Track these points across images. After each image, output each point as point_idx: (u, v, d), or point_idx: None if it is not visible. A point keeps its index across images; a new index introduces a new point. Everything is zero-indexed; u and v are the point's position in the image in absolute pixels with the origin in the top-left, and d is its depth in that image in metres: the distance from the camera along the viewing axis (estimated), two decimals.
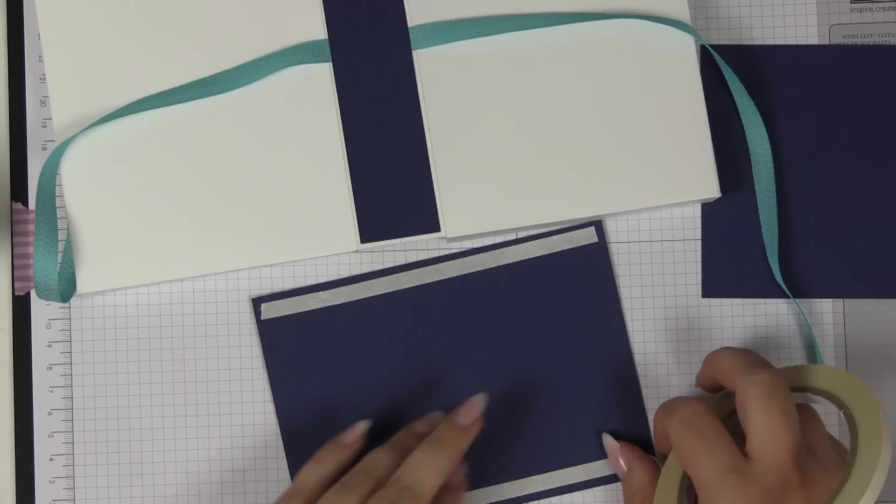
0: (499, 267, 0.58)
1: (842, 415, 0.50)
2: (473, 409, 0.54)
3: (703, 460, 0.49)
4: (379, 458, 0.52)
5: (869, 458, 0.47)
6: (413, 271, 0.58)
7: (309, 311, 0.58)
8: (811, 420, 0.51)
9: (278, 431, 0.58)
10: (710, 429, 0.49)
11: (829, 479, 0.48)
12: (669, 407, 0.51)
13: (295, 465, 0.57)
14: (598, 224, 0.58)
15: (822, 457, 0.49)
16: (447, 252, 0.58)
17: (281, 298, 0.58)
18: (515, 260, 0.58)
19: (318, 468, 0.53)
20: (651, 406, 0.58)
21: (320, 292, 0.58)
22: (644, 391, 0.58)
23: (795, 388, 0.52)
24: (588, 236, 0.58)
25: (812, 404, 0.52)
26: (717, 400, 0.55)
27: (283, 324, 0.58)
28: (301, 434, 0.57)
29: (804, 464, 0.48)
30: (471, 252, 0.58)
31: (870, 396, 0.49)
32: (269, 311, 0.58)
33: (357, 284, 0.58)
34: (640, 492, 0.54)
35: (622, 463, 0.56)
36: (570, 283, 0.58)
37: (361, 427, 0.55)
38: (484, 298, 0.58)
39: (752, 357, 0.51)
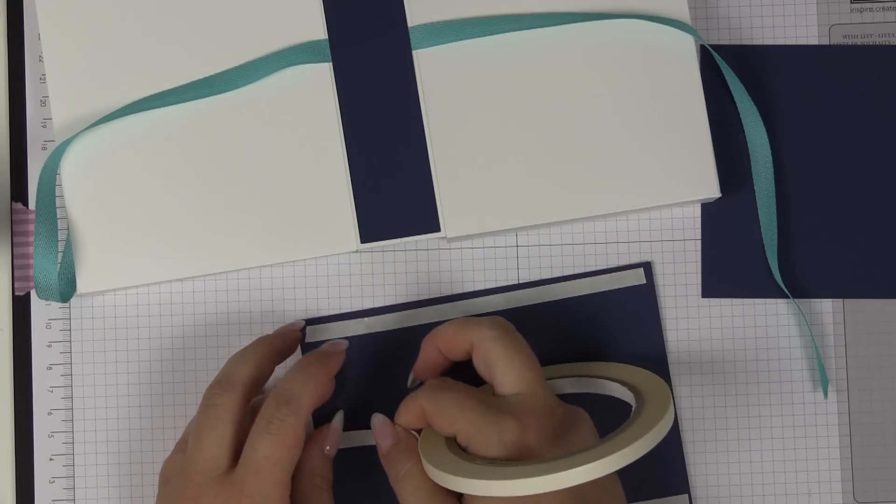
0: (545, 303, 0.58)
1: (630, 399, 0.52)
2: (294, 323, 0.57)
3: (466, 409, 0.50)
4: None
5: (650, 418, 0.48)
6: (459, 303, 0.58)
7: (353, 337, 0.58)
8: (580, 417, 0.52)
9: None
10: (459, 386, 0.51)
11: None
12: (420, 390, 0.52)
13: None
14: (646, 266, 0.58)
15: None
16: (493, 286, 0.58)
17: (326, 322, 0.58)
18: (562, 297, 0.58)
19: (247, 366, 0.53)
20: None
21: (365, 318, 0.58)
22: None
23: (592, 376, 0.54)
24: (636, 277, 0.58)
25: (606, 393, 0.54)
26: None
27: None
28: (343, 456, 0.57)
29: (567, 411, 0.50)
30: (517, 287, 0.58)
31: (662, 383, 0.52)
32: (314, 333, 0.58)
33: (403, 313, 0.58)
34: (405, 451, 0.53)
35: (389, 435, 0.53)
36: (616, 324, 0.58)
37: (299, 324, 0.57)
38: (528, 333, 0.58)
39: (473, 317, 0.54)
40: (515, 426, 0.48)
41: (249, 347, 0.54)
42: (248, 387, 0.52)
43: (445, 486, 0.48)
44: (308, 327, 0.58)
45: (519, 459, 0.48)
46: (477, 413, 0.49)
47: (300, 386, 0.51)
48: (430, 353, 0.54)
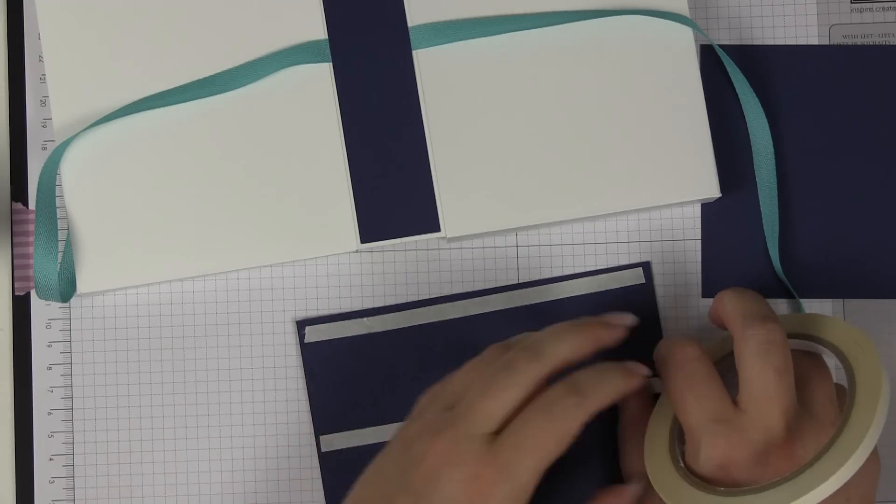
0: (544, 303, 0.58)
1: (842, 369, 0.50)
2: (624, 317, 0.52)
3: (690, 406, 0.49)
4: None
5: (865, 412, 0.47)
6: (458, 303, 0.58)
7: (352, 337, 0.58)
8: (819, 373, 0.50)
9: (278, 432, 0.58)
10: (701, 375, 0.49)
11: (822, 437, 0.48)
12: (665, 349, 0.51)
13: (332, 486, 0.57)
14: (646, 265, 0.58)
15: (819, 414, 0.49)
16: (493, 286, 0.58)
17: (325, 322, 0.58)
18: (561, 296, 0.58)
19: (563, 346, 0.49)
20: None
21: (365, 318, 0.58)
22: None
23: (804, 336, 0.52)
24: (635, 277, 0.58)
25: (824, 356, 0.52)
26: (721, 340, 0.55)
27: (325, 348, 0.58)
28: (341, 461, 0.57)
29: (795, 421, 0.47)
30: (517, 286, 0.58)
31: (872, 351, 0.49)
32: (313, 334, 0.58)
33: (402, 313, 0.58)
34: (632, 422, 0.54)
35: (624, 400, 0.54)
36: None
37: (628, 319, 0.52)
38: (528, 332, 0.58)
39: (755, 306, 0.50)
40: (721, 453, 0.47)
41: (572, 328, 0.50)
42: (555, 365, 0.49)
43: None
44: (307, 328, 0.58)
45: (717, 480, 0.48)
46: (695, 422, 0.48)
47: (595, 383, 0.48)
48: (713, 309, 0.53)
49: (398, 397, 0.58)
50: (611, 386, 0.49)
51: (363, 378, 0.58)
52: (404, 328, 0.58)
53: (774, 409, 0.47)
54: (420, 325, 0.58)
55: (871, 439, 0.46)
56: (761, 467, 0.47)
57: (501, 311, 0.58)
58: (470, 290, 0.59)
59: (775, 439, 0.47)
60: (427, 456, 0.47)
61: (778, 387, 0.47)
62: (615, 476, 0.56)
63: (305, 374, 0.58)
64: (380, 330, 0.58)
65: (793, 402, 0.48)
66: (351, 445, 0.57)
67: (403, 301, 0.59)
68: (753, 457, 0.47)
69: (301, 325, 0.58)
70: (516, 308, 0.58)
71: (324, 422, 0.57)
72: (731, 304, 0.51)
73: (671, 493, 0.49)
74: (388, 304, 0.59)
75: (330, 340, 0.58)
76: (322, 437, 0.57)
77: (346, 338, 0.58)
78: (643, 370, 0.50)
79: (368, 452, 0.57)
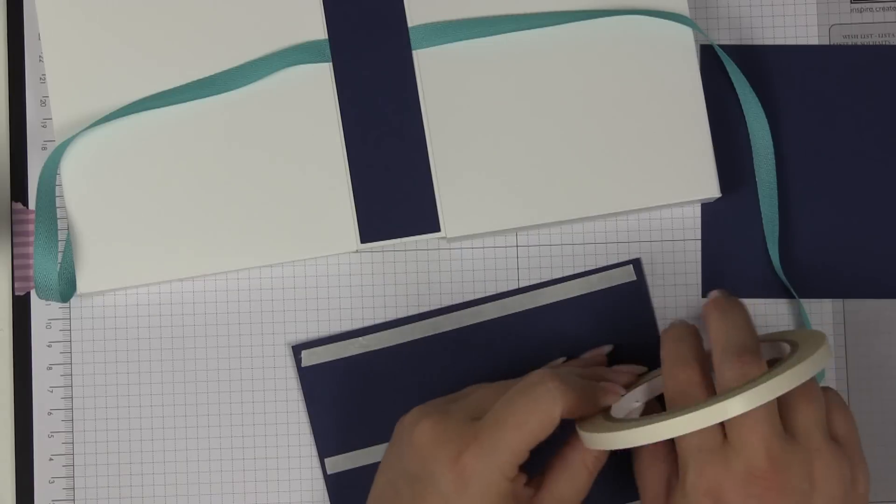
0: (538, 308, 0.58)
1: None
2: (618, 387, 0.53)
3: (672, 397, 0.50)
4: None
5: (789, 364, 0.47)
6: (453, 314, 0.58)
7: (349, 357, 0.58)
8: (808, 398, 0.50)
9: (278, 431, 0.58)
10: (696, 402, 0.49)
11: (807, 465, 0.48)
12: (669, 367, 0.51)
13: None
14: (636, 262, 0.58)
15: (805, 441, 0.48)
16: (483, 294, 0.58)
17: (320, 345, 0.58)
18: (555, 300, 0.58)
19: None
20: None
21: (360, 338, 0.58)
22: None
23: (774, 339, 0.53)
24: (626, 274, 0.58)
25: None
26: None
27: (323, 370, 0.58)
28: (347, 482, 0.58)
29: (779, 450, 0.47)
30: (510, 293, 0.58)
31: (821, 337, 0.50)
32: (310, 357, 0.58)
33: (397, 329, 0.58)
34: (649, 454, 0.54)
35: None
36: (610, 322, 0.58)
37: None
38: (524, 339, 0.58)
39: (735, 334, 0.50)
40: (706, 481, 0.47)
41: (584, 375, 0.53)
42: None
43: (599, 446, 0.49)
44: (303, 352, 0.58)
45: None
46: (684, 447, 0.49)
47: (578, 381, 0.50)
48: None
49: (399, 413, 0.57)
50: (591, 391, 0.50)
51: (363, 397, 0.58)
52: (400, 344, 0.58)
53: (753, 441, 0.47)
54: (416, 340, 0.58)
55: (784, 380, 0.46)
56: (749, 497, 0.47)
57: (496, 319, 0.58)
58: (470, 290, 0.59)
59: (757, 470, 0.47)
60: (415, 436, 0.49)
61: (754, 420, 0.47)
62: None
63: (305, 398, 0.58)
64: (376, 348, 0.58)
65: (775, 433, 0.47)
66: (356, 466, 0.57)
67: (403, 302, 0.59)
68: (740, 486, 0.47)
69: (297, 349, 0.58)
70: (510, 315, 0.58)
71: (327, 444, 0.57)
72: (714, 330, 0.51)
73: (584, 424, 0.50)
74: (387, 304, 0.59)
75: (326, 363, 0.58)
76: (327, 460, 0.57)
77: (343, 359, 0.58)
78: (621, 390, 0.52)
79: (374, 471, 0.57)
